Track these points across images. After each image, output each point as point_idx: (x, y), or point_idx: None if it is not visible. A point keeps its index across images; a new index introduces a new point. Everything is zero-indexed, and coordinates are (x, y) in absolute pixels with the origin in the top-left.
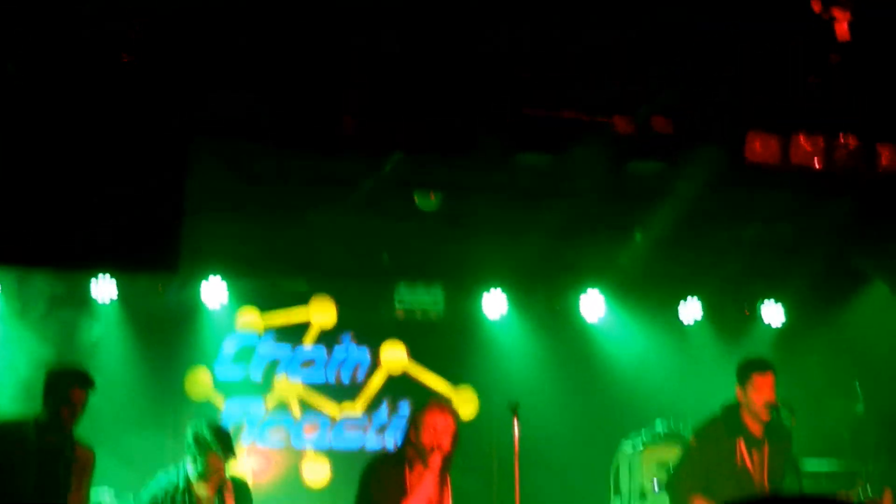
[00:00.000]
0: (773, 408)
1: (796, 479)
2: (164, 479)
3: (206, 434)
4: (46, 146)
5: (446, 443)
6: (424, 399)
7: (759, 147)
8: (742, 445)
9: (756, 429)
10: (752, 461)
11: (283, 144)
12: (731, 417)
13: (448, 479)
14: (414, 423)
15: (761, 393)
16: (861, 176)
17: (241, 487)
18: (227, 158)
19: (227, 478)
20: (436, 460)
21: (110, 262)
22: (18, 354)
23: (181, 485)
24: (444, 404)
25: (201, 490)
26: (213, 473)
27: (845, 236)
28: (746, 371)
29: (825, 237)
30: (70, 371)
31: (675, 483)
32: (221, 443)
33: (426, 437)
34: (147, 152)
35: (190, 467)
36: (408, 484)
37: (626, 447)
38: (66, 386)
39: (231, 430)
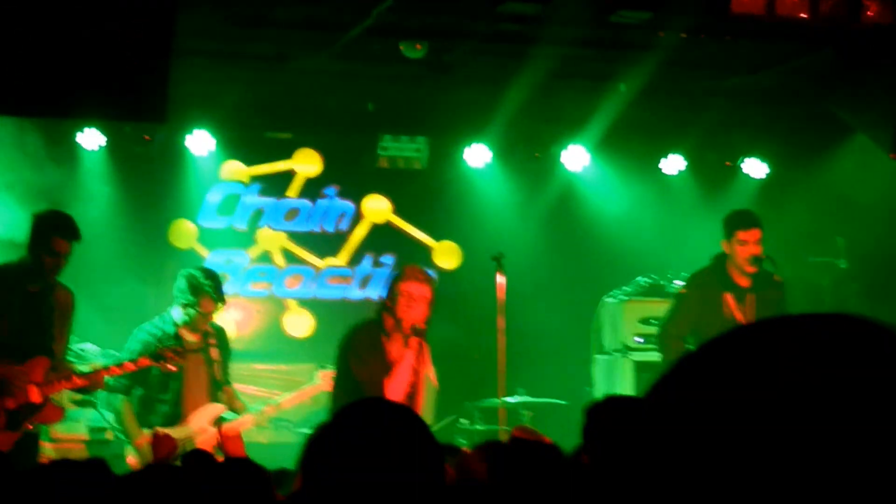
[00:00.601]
0: (758, 261)
1: None
2: (150, 327)
3: (201, 279)
4: None
5: (423, 312)
6: (407, 252)
7: None
8: (730, 297)
9: (743, 281)
10: (740, 312)
11: None
12: (718, 269)
13: (426, 346)
14: (391, 293)
15: (745, 247)
16: (846, 27)
17: (221, 334)
18: (213, 2)
19: (211, 325)
20: (413, 336)
21: (97, 109)
22: (4, 200)
23: (169, 331)
24: (420, 273)
25: (188, 336)
26: (204, 317)
27: (828, 88)
28: (731, 226)
29: (808, 89)
30: (56, 219)
31: (664, 329)
32: (215, 287)
33: (403, 307)
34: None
35: (178, 313)
36: (388, 354)
37: (609, 301)
38: (49, 233)
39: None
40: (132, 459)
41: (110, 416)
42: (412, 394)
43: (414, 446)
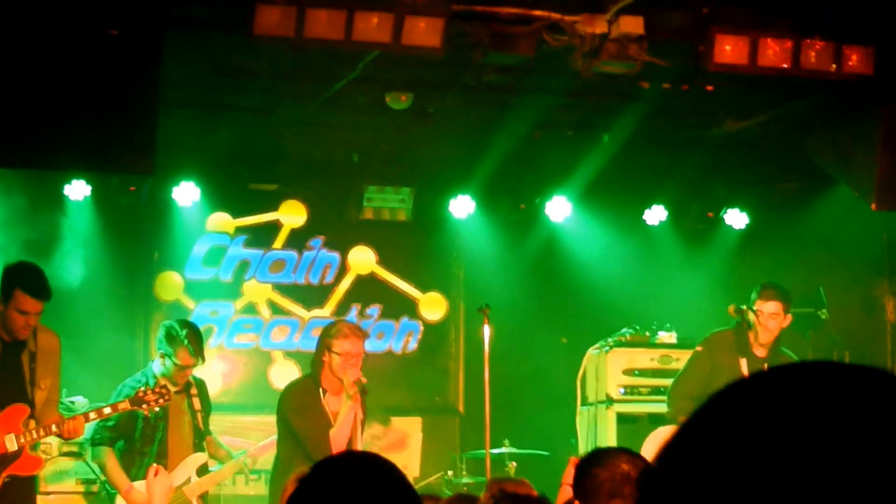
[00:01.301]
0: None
1: None
2: (132, 381)
3: (179, 330)
4: (19, 46)
5: (358, 366)
6: (392, 304)
7: (727, 49)
8: (744, 363)
9: (760, 351)
10: None
11: (253, 39)
12: (738, 333)
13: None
14: (327, 351)
15: (768, 322)
16: (827, 78)
17: (201, 385)
18: (199, 54)
19: (191, 378)
20: (355, 389)
21: (84, 162)
22: None
23: (150, 383)
24: (354, 328)
25: (169, 388)
26: (181, 370)
27: (809, 138)
28: (764, 296)
29: (789, 138)
30: (22, 273)
31: (675, 386)
32: (193, 340)
33: (343, 366)
34: (119, 50)
35: (157, 364)
36: (326, 409)
37: (593, 352)
38: (14, 288)
39: (201, 331)
40: None
41: (96, 469)
42: (351, 444)
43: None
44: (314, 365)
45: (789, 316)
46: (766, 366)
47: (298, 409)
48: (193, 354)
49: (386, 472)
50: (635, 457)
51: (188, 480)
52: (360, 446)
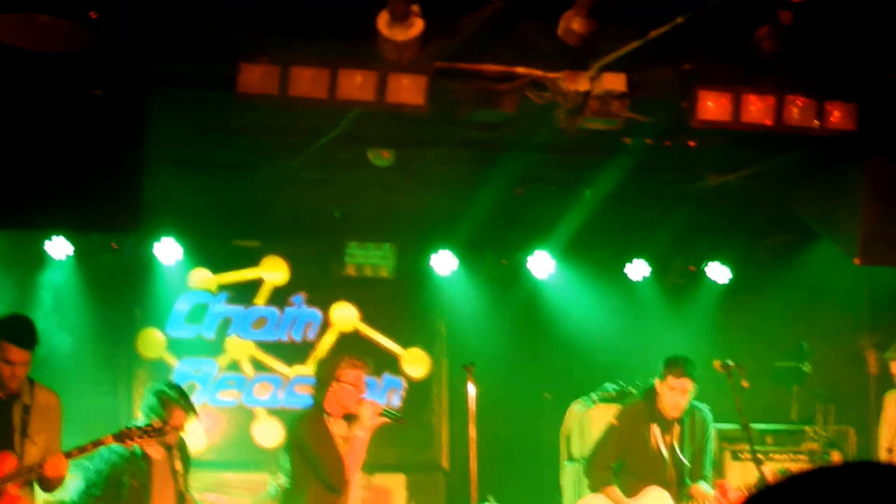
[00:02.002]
0: (688, 411)
1: (705, 466)
2: (117, 447)
3: (170, 392)
4: (2, 105)
5: (363, 394)
6: (375, 361)
7: (710, 105)
8: (655, 429)
9: (669, 414)
10: (663, 444)
11: (237, 97)
12: (648, 403)
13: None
14: (335, 379)
15: (674, 394)
16: (809, 134)
17: (182, 444)
18: (182, 111)
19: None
20: (377, 419)
21: (68, 221)
22: None
23: (137, 451)
24: (358, 358)
25: (154, 453)
26: (175, 431)
27: (792, 192)
28: (668, 369)
29: (772, 193)
30: (7, 324)
31: (593, 457)
32: (184, 398)
33: (350, 391)
34: (104, 109)
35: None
36: (335, 435)
37: (577, 407)
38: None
39: (174, 384)
40: None
41: None
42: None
43: None
44: (318, 394)
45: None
46: (676, 426)
47: (314, 437)
48: (188, 411)
49: None
50: None
51: None
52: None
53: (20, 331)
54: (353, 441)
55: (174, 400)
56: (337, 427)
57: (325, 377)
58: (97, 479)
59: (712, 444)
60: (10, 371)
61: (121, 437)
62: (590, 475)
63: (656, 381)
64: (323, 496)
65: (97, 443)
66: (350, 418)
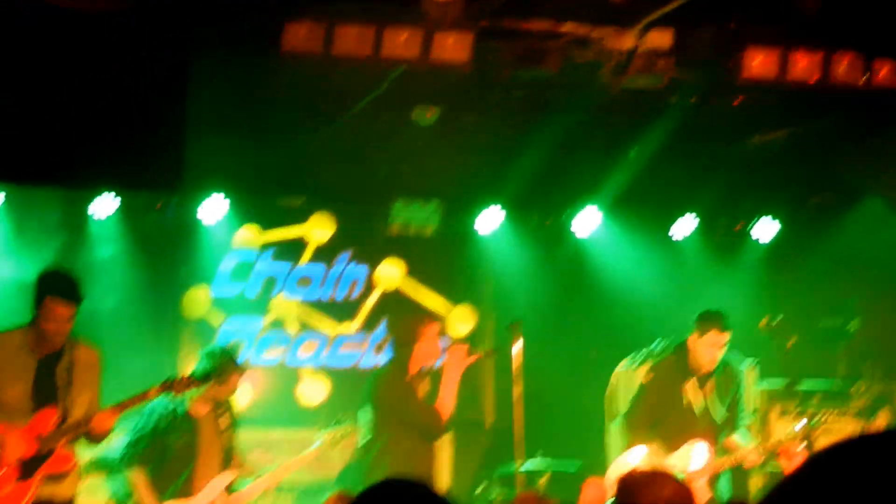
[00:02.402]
0: (720, 364)
1: (740, 417)
2: (159, 406)
3: (225, 357)
4: (49, 65)
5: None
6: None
7: (757, 62)
8: (688, 385)
9: (703, 370)
10: (697, 399)
11: (282, 56)
12: (680, 359)
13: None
14: (416, 338)
15: (713, 348)
16: (856, 90)
17: (228, 403)
18: (228, 71)
19: None
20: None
21: (112, 179)
22: (18, 270)
23: (180, 409)
24: (434, 316)
25: (199, 410)
26: (229, 393)
27: (838, 150)
28: (706, 324)
29: (818, 151)
30: (52, 279)
31: (629, 416)
32: (238, 364)
33: (431, 348)
34: (148, 66)
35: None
36: (421, 394)
37: (623, 367)
38: (45, 295)
39: (229, 345)
40: None
41: (125, 490)
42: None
43: None
44: (400, 354)
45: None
46: (709, 381)
47: (404, 395)
48: (243, 374)
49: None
50: (678, 483)
51: (216, 500)
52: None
53: (66, 286)
54: (445, 388)
55: (227, 364)
56: (419, 383)
57: (407, 338)
58: (141, 436)
59: (745, 395)
60: (56, 327)
61: (166, 387)
62: (628, 432)
63: (691, 337)
64: (417, 447)
65: (143, 395)
66: (425, 373)
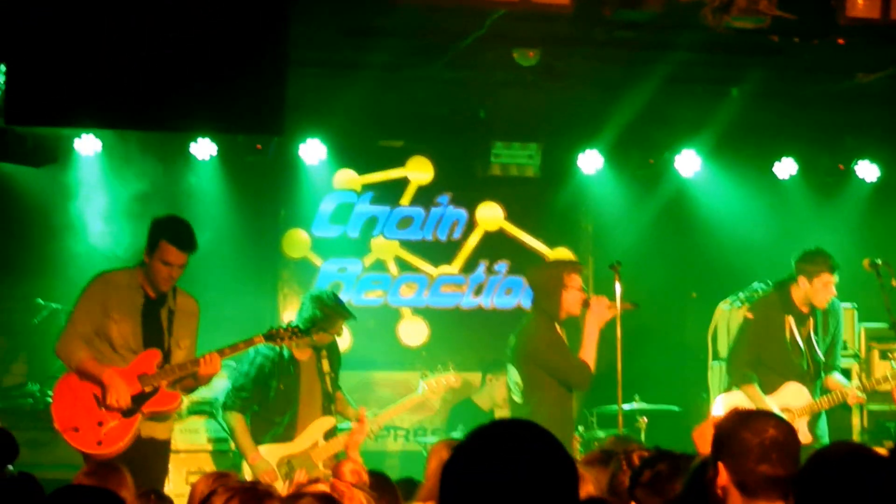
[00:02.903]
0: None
1: (838, 357)
2: (265, 349)
3: (330, 302)
4: (148, 8)
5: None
6: (521, 260)
7: (860, 1)
8: (791, 321)
9: (805, 308)
10: (800, 336)
11: None
12: (783, 296)
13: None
14: (563, 286)
15: (828, 290)
16: None
17: (332, 346)
18: (327, 12)
19: None
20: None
21: (215, 123)
22: (119, 212)
23: (285, 353)
24: (576, 265)
25: (301, 355)
26: (328, 335)
27: None
28: (820, 266)
29: None
30: (169, 226)
31: (734, 354)
32: (343, 308)
33: (576, 296)
34: (248, 10)
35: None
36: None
37: (724, 306)
38: (160, 240)
39: (329, 287)
40: (248, 477)
41: (228, 428)
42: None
43: (552, 477)
44: (548, 304)
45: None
46: (810, 319)
47: (555, 347)
48: (347, 318)
49: (543, 440)
50: (782, 422)
51: (315, 444)
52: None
53: (182, 233)
54: (587, 340)
55: (334, 310)
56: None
57: (553, 286)
58: (245, 382)
59: (842, 336)
60: (168, 272)
61: (271, 336)
62: (730, 372)
63: (800, 279)
64: (564, 399)
65: (248, 342)
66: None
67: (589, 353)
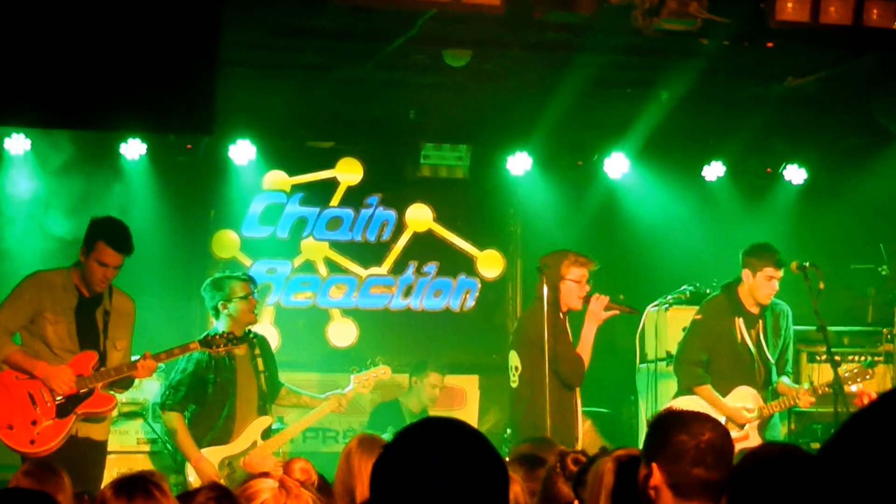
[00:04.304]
0: (769, 306)
1: (792, 356)
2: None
3: (222, 275)
4: (79, 6)
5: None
6: (450, 261)
7: (789, 5)
8: (740, 323)
9: (754, 309)
10: (749, 338)
11: None
12: (731, 296)
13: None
14: (561, 277)
15: (771, 285)
16: (889, 34)
17: (263, 343)
18: (258, 13)
19: (254, 337)
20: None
21: (144, 122)
22: (48, 212)
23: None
24: (581, 255)
25: (238, 350)
26: (247, 304)
27: (870, 95)
28: (761, 260)
29: (850, 95)
30: (105, 226)
31: (681, 355)
32: (241, 276)
33: (576, 288)
34: (179, 10)
35: (222, 321)
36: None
37: (652, 309)
38: (97, 240)
39: (259, 288)
40: (193, 480)
41: (166, 434)
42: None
43: (482, 476)
44: (552, 293)
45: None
46: (760, 321)
47: (555, 334)
48: (249, 281)
49: (474, 440)
50: (719, 426)
51: (253, 444)
52: None
53: (119, 235)
54: (585, 337)
55: (231, 278)
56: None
57: (553, 275)
58: (182, 377)
59: (793, 341)
60: (103, 273)
61: (207, 343)
62: (680, 373)
63: (744, 274)
64: (561, 393)
65: (184, 348)
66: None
67: (583, 349)
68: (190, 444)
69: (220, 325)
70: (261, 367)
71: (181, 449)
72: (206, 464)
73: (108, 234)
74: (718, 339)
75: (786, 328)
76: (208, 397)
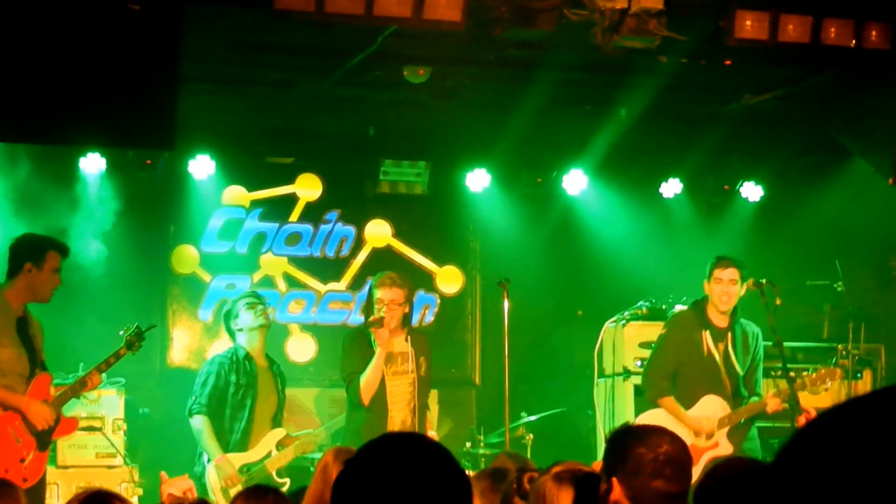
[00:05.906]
0: (738, 325)
1: (760, 377)
2: (220, 357)
3: (248, 299)
4: (39, 19)
5: (396, 312)
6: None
7: (748, 24)
8: (707, 336)
9: (720, 322)
10: (717, 351)
11: (274, 13)
12: (698, 311)
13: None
14: (371, 296)
15: (722, 285)
16: (846, 52)
17: (279, 366)
18: (218, 29)
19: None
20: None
21: (104, 137)
22: (5, 224)
23: (240, 354)
24: (394, 276)
25: (260, 361)
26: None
27: (828, 112)
28: (715, 263)
29: (807, 113)
30: (48, 237)
31: (650, 368)
32: (259, 299)
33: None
34: (139, 24)
35: (243, 339)
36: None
37: (610, 325)
38: (45, 250)
39: (217, 305)
40: (213, 478)
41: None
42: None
43: (444, 489)
44: (366, 312)
45: (745, 286)
46: (729, 335)
47: (348, 350)
48: (250, 296)
49: (436, 453)
50: (677, 438)
51: (269, 454)
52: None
53: (58, 242)
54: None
55: (257, 303)
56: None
57: (368, 295)
58: (207, 378)
59: (762, 360)
60: (55, 281)
61: (129, 345)
62: (647, 386)
63: (705, 285)
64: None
65: (116, 354)
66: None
67: (370, 371)
68: (214, 444)
69: (242, 341)
70: (279, 385)
71: (205, 448)
72: (226, 465)
73: (51, 242)
74: (685, 350)
75: (755, 347)
76: (230, 399)
